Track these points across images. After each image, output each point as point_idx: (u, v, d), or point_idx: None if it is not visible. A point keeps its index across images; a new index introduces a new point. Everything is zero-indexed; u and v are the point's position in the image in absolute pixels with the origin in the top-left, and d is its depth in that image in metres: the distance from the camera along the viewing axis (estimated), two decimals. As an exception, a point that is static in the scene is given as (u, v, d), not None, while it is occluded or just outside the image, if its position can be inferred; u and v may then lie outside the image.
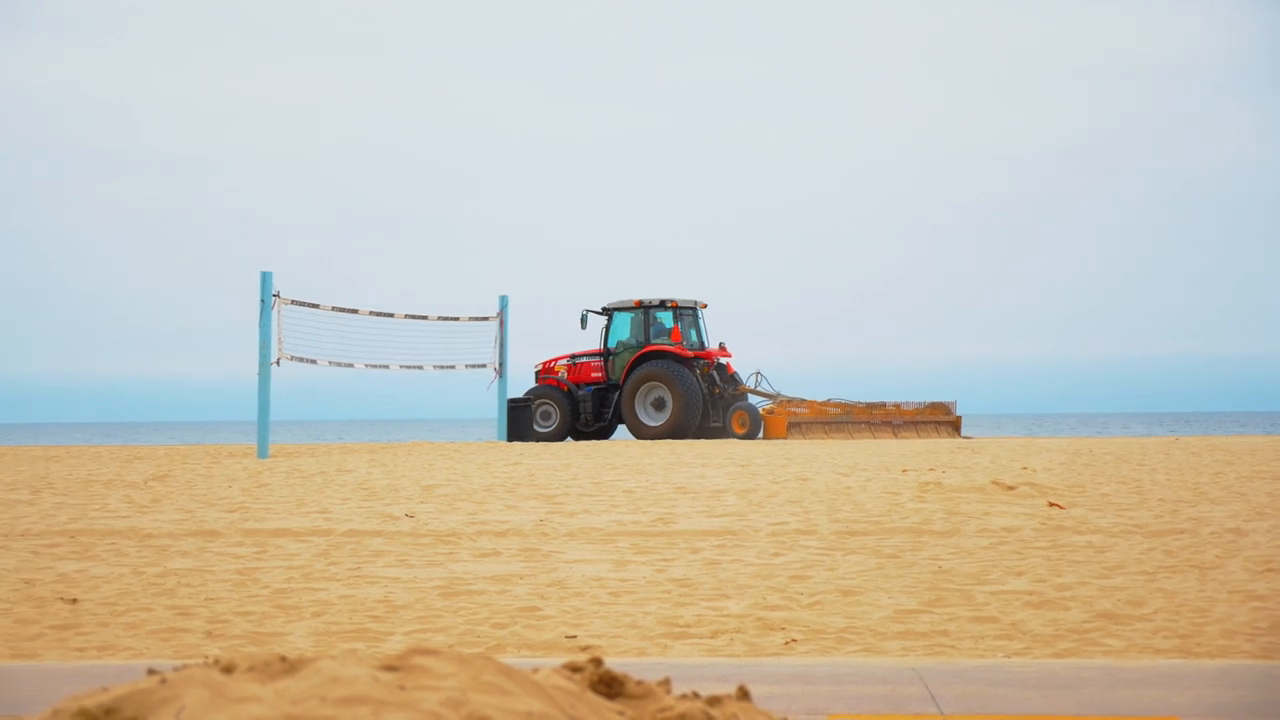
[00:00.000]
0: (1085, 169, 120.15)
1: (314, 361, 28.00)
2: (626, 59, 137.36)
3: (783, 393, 34.68)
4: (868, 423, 33.87)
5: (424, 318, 31.21)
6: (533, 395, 34.16)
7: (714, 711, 3.82)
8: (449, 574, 10.00)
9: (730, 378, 34.71)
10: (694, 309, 34.85)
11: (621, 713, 3.72)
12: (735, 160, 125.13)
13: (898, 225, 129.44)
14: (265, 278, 26.68)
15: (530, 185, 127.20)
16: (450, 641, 7.68)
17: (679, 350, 33.82)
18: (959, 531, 12.22)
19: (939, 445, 28.62)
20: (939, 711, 5.77)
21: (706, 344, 34.78)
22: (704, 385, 33.83)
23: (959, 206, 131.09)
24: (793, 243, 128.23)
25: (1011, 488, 15.28)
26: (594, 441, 32.57)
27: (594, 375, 34.81)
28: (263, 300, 26.58)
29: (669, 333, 34.40)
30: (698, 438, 33.14)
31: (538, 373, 35.14)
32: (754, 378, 35.10)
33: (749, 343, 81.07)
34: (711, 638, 7.73)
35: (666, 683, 3.96)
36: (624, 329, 34.87)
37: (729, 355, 34.92)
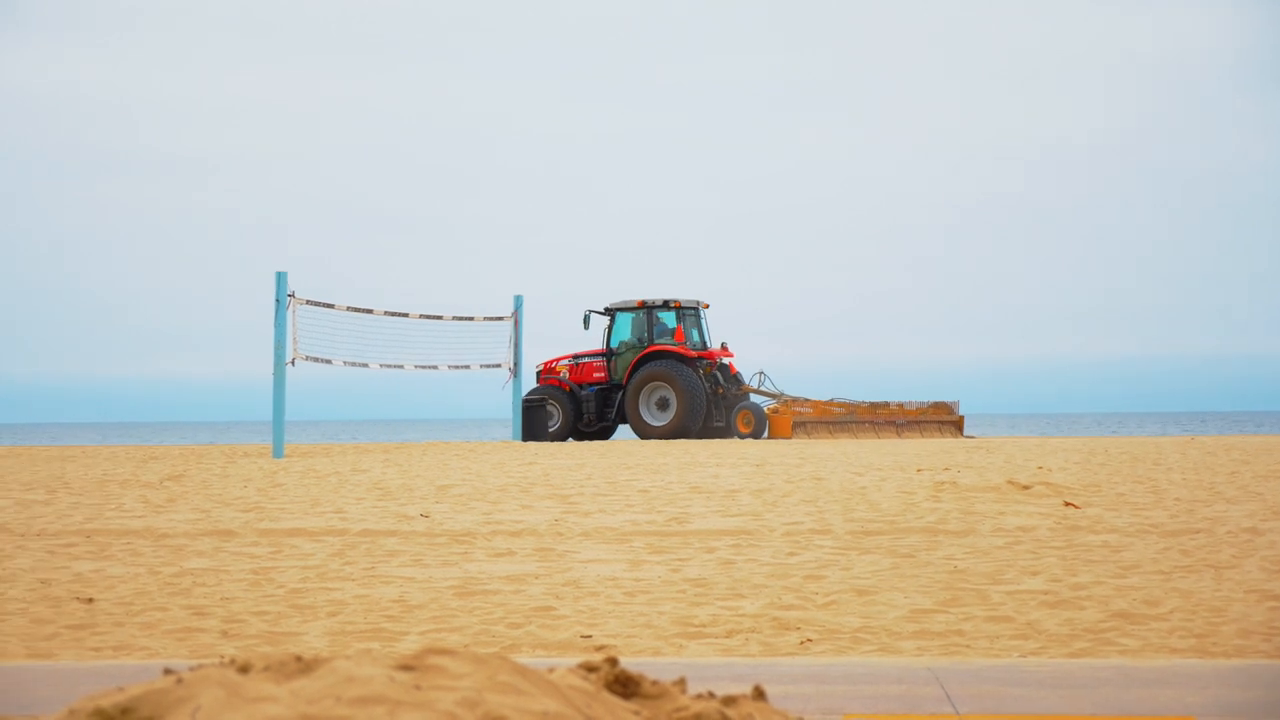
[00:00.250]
0: (1089, 169, 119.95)
1: (329, 361, 28.04)
2: (627, 59, 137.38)
3: (786, 392, 34.81)
4: (871, 422, 34.05)
5: (439, 318, 31.24)
6: (535, 395, 34.22)
7: (729, 711, 3.82)
8: (464, 574, 10.01)
9: (733, 378, 34.79)
10: (696, 309, 34.94)
11: (637, 712, 3.72)
12: (735, 160, 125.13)
13: (900, 225, 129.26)
14: (280, 278, 26.70)
15: (531, 185, 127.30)
16: (465, 641, 7.69)
17: (683, 350, 33.90)
18: (974, 531, 12.20)
19: (953, 445, 28.59)
20: (954, 711, 5.76)
21: (709, 344, 34.87)
22: (707, 385, 33.89)
23: (961, 206, 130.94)
24: (793, 243, 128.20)
25: (1027, 487, 15.25)
26: (608, 441, 32.60)
27: (596, 375, 34.89)
28: (278, 300, 26.61)
29: (672, 333, 34.48)
30: (700, 438, 33.18)
31: (538, 373, 35.21)
32: (757, 377, 35.21)
33: (750, 343, 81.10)
34: (726, 637, 7.73)
35: (682, 682, 3.96)
36: (626, 329, 34.95)
37: (730, 355, 35.02)
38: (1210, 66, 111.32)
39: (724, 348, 34.97)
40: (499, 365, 32.43)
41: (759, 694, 3.98)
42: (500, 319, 32.57)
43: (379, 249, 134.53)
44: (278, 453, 25.47)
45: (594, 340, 35.37)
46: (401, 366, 30.25)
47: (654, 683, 3.89)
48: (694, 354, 34.01)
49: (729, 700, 3.89)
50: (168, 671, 3.57)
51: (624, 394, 34.11)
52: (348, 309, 28.82)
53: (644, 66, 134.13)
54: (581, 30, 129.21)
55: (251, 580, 9.82)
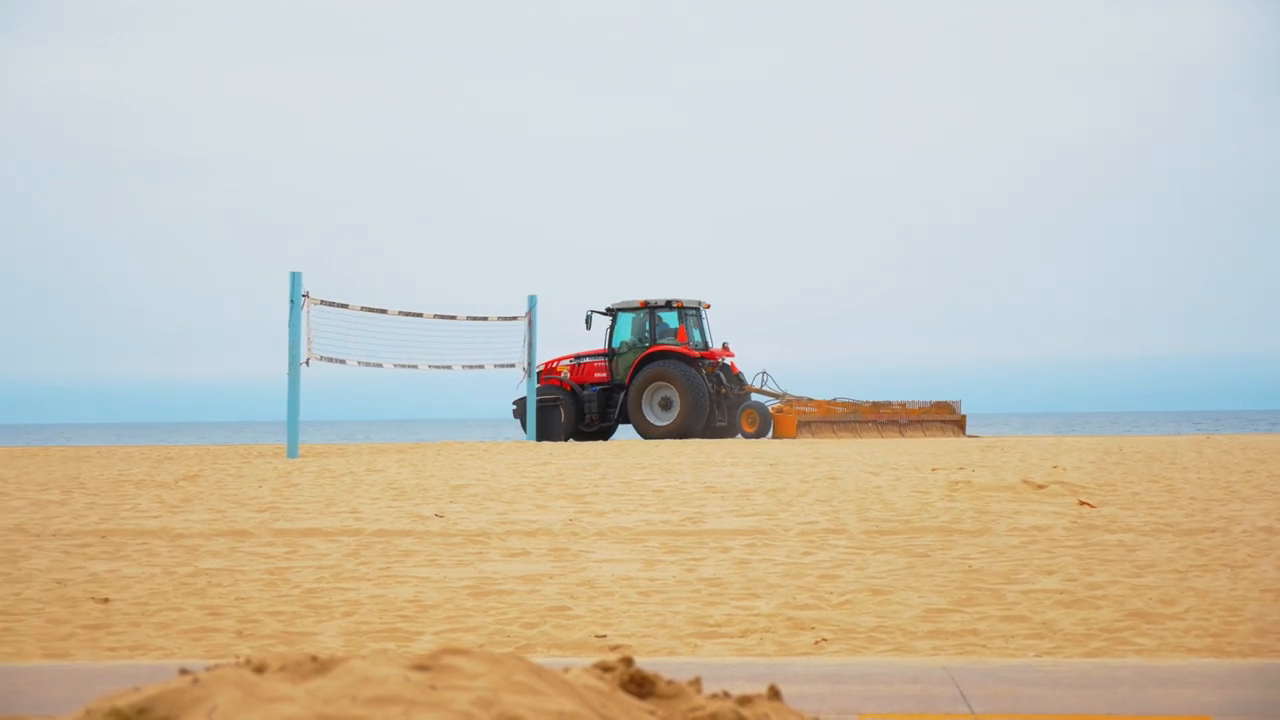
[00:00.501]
0: (1097, 169, 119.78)
1: (343, 361, 28.07)
2: (628, 59, 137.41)
3: (789, 391, 34.89)
4: (874, 421, 34.20)
5: (453, 318, 31.26)
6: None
7: (745, 711, 3.81)
8: (479, 574, 10.01)
9: (735, 378, 34.83)
10: (698, 309, 34.99)
11: (653, 712, 3.72)
12: (737, 160, 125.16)
13: (901, 225, 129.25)
14: (295, 278, 26.72)
15: (531, 185, 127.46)
16: (480, 641, 7.69)
17: (685, 350, 33.93)
18: (989, 530, 12.18)
19: (967, 444, 28.56)
20: (970, 711, 5.75)
21: (710, 344, 34.91)
22: (710, 385, 33.93)
23: (967, 207, 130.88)
24: (795, 242, 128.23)
25: (1042, 486, 15.22)
26: (621, 441, 32.59)
27: (598, 375, 34.94)
28: (292, 300, 26.63)
29: (674, 333, 34.53)
30: (703, 438, 33.21)
31: (539, 373, 35.24)
32: (760, 377, 35.27)
33: (751, 342, 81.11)
34: (741, 637, 7.72)
35: (697, 682, 3.95)
36: (628, 329, 34.99)
37: (732, 355, 35.06)
38: (1215, 68, 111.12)
39: (725, 348, 35.02)
40: (513, 365, 32.45)
41: (774, 694, 3.98)
42: (514, 319, 32.59)
43: (379, 249, 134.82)
44: (292, 453, 25.50)
45: (595, 340, 35.43)
46: (416, 366, 30.27)
47: (669, 682, 3.88)
48: (696, 354, 34.07)
49: (744, 700, 3.89)
50: (183, 671, 3.57)
51: (627, 394, 34.15)
52: (361, 309, 28.84)
53: (645, 66, 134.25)
54: (582, 30, 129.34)
55: (267, 580, 9.83)
